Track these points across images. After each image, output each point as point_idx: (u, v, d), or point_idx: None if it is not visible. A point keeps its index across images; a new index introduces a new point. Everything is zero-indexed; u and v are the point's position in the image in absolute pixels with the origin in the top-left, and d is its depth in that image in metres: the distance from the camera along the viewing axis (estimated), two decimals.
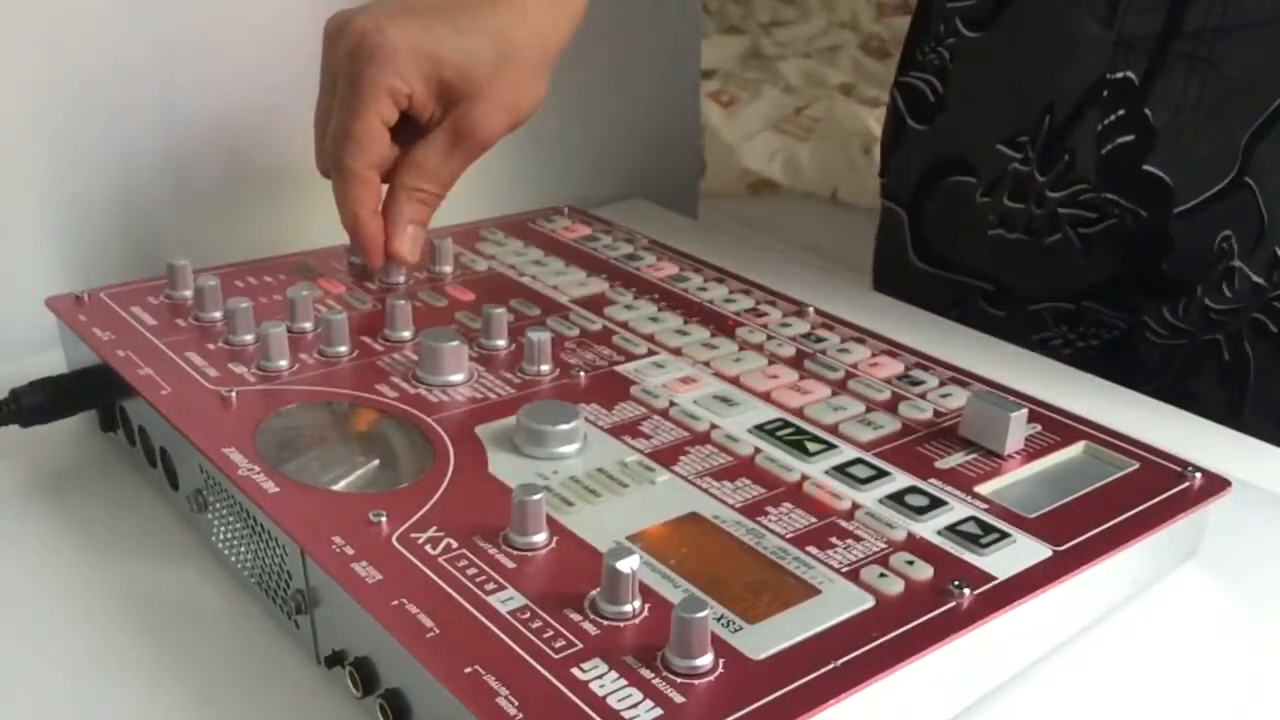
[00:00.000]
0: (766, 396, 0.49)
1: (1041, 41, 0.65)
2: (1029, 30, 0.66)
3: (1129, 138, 0.62)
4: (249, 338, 0.51)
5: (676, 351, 0.52)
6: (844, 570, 0.37)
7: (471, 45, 0.54)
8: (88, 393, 0.51)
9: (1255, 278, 0.60)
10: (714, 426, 0.46)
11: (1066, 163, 0.64)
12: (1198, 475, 0.44)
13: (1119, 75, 0.61)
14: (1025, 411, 0.45)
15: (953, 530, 0.40)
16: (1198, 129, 0.60)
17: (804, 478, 0.43)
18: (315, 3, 0.69)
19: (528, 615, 0.35)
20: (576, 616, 0.35)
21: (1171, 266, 0.63)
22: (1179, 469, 0.44)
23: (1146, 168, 0.61)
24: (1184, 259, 0.62)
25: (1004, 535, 0.39)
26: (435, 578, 0.36)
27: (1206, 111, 0.60)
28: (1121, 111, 0.62)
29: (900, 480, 0.43)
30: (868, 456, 0.44)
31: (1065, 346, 0.70)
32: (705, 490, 0.42)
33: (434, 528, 0.39)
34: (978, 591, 0.37)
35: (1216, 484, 0.44)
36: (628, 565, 0.34)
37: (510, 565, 0.37)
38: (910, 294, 0.72)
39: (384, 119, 0.53)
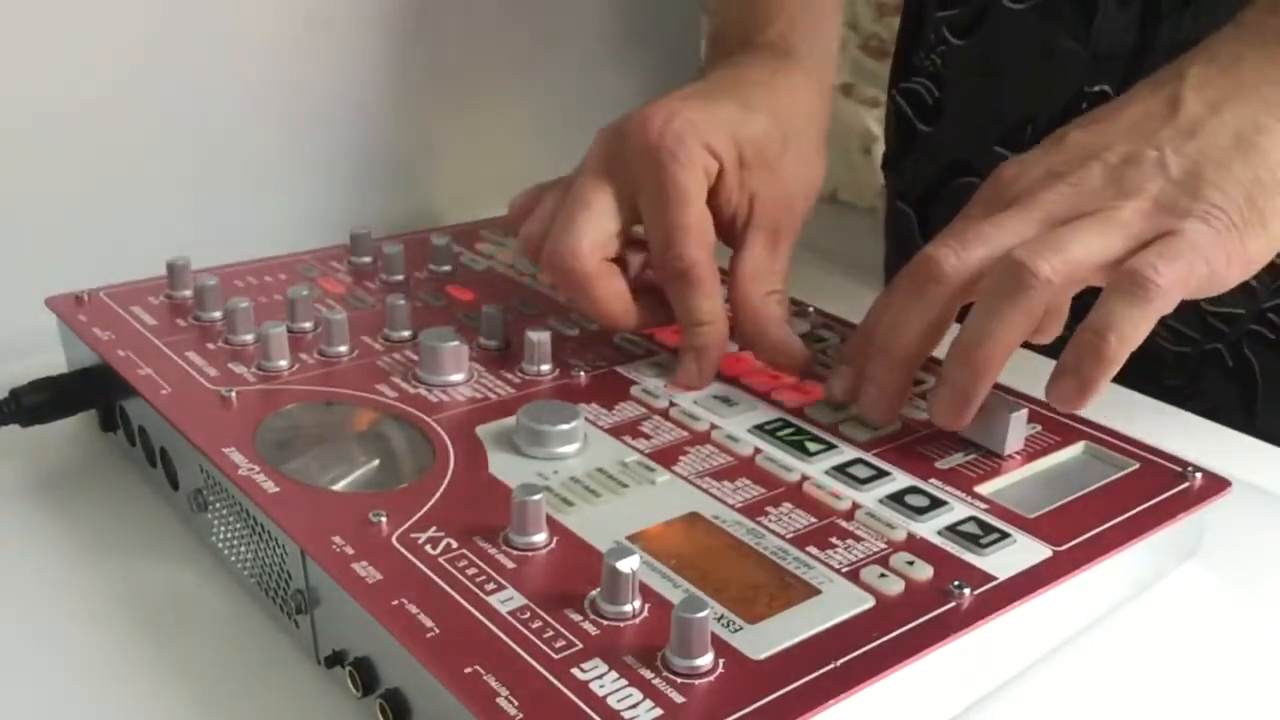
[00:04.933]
0: (766, 396, 0.49)
1: (1021, 54, 0.66)
2: (1008, 42, 0.66)
3: None
4: (249, 338, 0.51)
5: (676, 351, 0.52)
6: (844, 570, 0.37)
7: (761, 121, 0.51)
8: (88, 393, 0.51)
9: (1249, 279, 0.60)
10: (714, 426, 0.46)
11: None
12: (1198, 475, 0.44)
13: (1096, 89, 0.63)
14: (1025, 411, 0.45)
15: (953, 530, 0.40)
16: None
17: (804, 478, 0.43)
18: (317, 3, 0.69)
19: (528, 615, 0.35)
20: (576, 616, 0.35)
21: None
22: (1179, 469, 0.44)
23: None
24: None
25: (1004, 535, 0.39)
26: (435, 578, 0.36)
27: None
28: None
29: (900, 480, 0.43)
30: (868, 456, 0.44)
31: None
32: (705, 490, 0.42)
33: (434, 528, 0.39)
34: (978, 591, 0.37)
35: (1216, 484, 0.44)
36: (628, 565, 0.34)
37: (510, 565, 0.37)
38: None
39: (704, 199, 0.49)
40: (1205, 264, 0.41)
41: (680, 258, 0.49)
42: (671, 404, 0.47)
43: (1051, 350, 0.68)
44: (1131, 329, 0.41)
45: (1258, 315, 0.61)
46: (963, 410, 0.44)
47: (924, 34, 0.72)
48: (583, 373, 0.50)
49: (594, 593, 0.35)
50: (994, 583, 0.37)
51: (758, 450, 0.44)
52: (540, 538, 0.38)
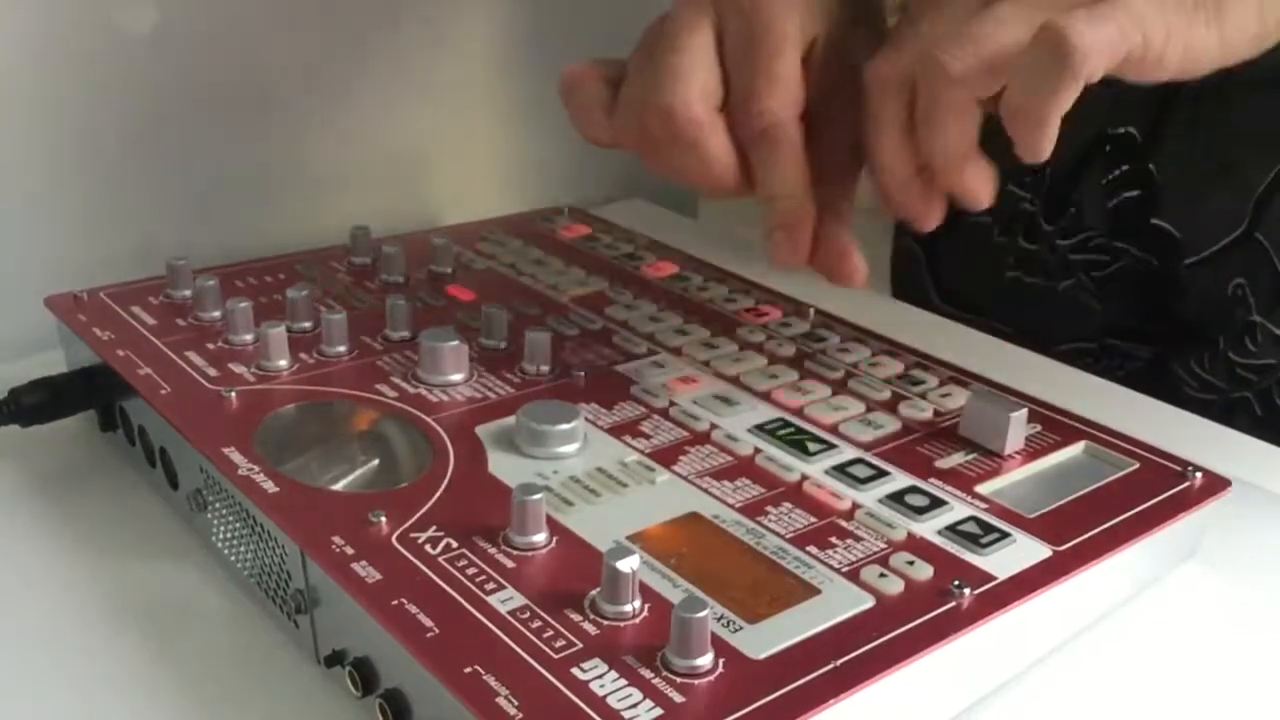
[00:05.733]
0: (766, 396, 0.49)
1: None
2: None
3: (1135, 193, 0.62)
4: (249, 338, 0.51)
5: (676, 351, 0.52)
6: (844, 570, 0.37)
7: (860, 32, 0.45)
8: (88, 393, 0.51)
9: (1278, 331, 0.60)
10: (714, 426, 0.46)
11: (1074, 214, 0.64)
12: (1198, 475, 0.44)
13: (1120, 130, 0.61)
14: (1025, 411, 0.45)
15: (953, 530, 0.40)
16: (1207, 185, 0.60)
17: (804, 478, 0.43)
18: (321, 3, 0.69)
19: (528, 615, 0.35)
20: (576, 616, 0.35)
21: (1187, 310, 0.63)
22: (1179, 469, 0.44)
23: (1155, 221, 0.61)
24: (1198, 303, 0.62)
25: (1004, 535, 0.39)
26: (435, 578, 0.36)
27: (1214, 168, 0.59)
28: (1125, 167, 0.61)
29: (900, 480, 0.43)
30: (868, 456, 0.44)
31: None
32: (705, 490, 0.42)
33: (434, 528, 0.39)
34: (978, 591, 0.37)
35: (1216, 484, 0.44)
36: (628, 565, 0.34)
37: (510, 565, 0.37)
38: None
39: (799, 54, 0.42)
40: (1140, 34, 0.36)
41: (762, 113, 0.41)
42: (671, 404, 0.47)
43: (1062, 355, 0.68)
44: (1043, 102, 0.35)
45: None
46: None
47: None
48: (583, 373, 0.50)
49: (594, 593, 0.35)
50: (994, 583, 0.37)
51: (757, 450, 0.44)
52: (540, 538, 0.38)
